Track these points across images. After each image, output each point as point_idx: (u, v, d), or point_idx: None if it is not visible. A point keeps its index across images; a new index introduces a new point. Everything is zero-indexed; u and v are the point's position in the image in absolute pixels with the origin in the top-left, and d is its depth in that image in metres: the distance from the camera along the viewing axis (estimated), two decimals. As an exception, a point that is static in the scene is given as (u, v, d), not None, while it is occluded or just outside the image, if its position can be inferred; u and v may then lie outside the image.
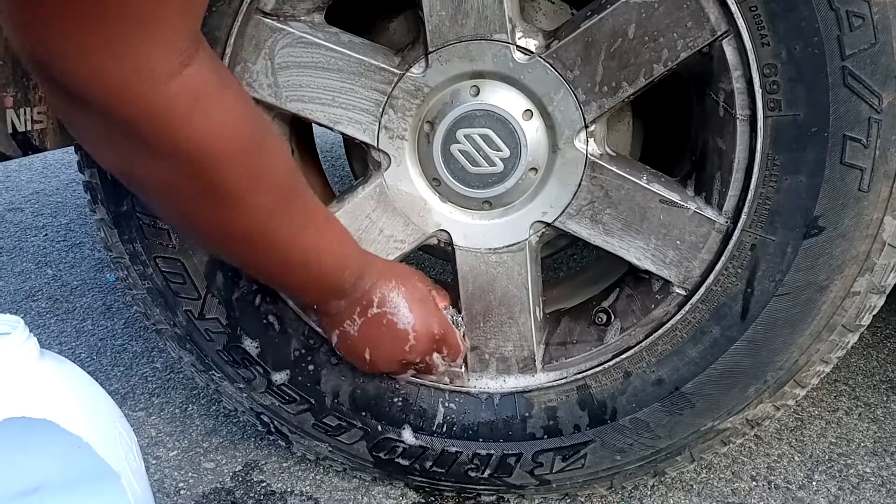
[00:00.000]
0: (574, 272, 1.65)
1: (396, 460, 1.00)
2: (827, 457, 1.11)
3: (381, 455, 1.00)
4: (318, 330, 0.95)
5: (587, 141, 0.85)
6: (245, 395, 1.01)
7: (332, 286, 0.82)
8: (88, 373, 1.15)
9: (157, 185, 0.66)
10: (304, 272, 0.79)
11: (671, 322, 0.89)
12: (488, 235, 0.91)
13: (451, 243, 0.92)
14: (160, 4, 0.54)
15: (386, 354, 0.89)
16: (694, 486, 1.05)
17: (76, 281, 1.71)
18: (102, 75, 0.55)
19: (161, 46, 0.56)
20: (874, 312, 0.86)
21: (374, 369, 0.92)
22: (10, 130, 0.85)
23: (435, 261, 1.67)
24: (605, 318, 0.95)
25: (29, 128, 0.87)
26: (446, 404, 0.97)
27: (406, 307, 0.86)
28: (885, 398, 1.24)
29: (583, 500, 1.03)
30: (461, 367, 0.97)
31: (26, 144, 0.87)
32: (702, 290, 0.87)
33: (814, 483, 1.06)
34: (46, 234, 1.98)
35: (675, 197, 0.86)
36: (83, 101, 0.57)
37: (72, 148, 0.94)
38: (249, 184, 0.67)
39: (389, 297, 0.85)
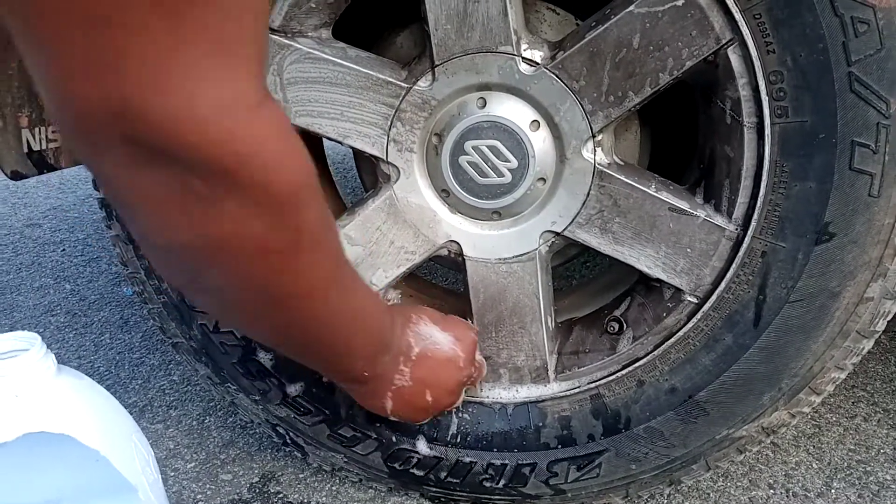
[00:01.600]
0: (585, 281, 1.65)
1: (411, 471, 1.00)
2: (846, 464, 1.09)
3: (396, 466, 1.00)
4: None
5: (595, 150, 0.85)
6: (261, 407, 1.02)
7: (380, 339, 0.78)
8: (106, 386, 1.17)
9: (239, 248, 0.56)
10: (361, 328, 0.74)
11: (683, 330, 0.89)
12: (498, 246, 0.91)
13: (461, 254, 0.93)
14: (241, 26, 0.49)
15: (446, 386, 0.86)
16: (711, 495, 1.04)
17: (94, 295, 1.73)
18: (191, 110, 0.48)
19: (245, 71, 0.51)
20: (889, 318, 0.85)
21: (438, 408, 0.88)
22: (25, 149, 0.86)
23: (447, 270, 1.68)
24: (617, 326, 0.95)
25: (44, 147, 0.88)
26: (460, 415, 0.98)
27: (437, 330, 0.84)
28: (904, 403, 1.22)
29: (598, 509, 1.02)
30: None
31: (41, 163, 0.89)
32: (713, 297, 0.86)
33: (833, 491, 1.05)
34: (64, 250, 2.01)
35: (684, 205, 0.86)
36: (162, 152, 0.49)
37: (87, 166, 0.96)
38: (326, 222, 0.63)
39: (419, 330, 0.82)
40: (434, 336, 0.83)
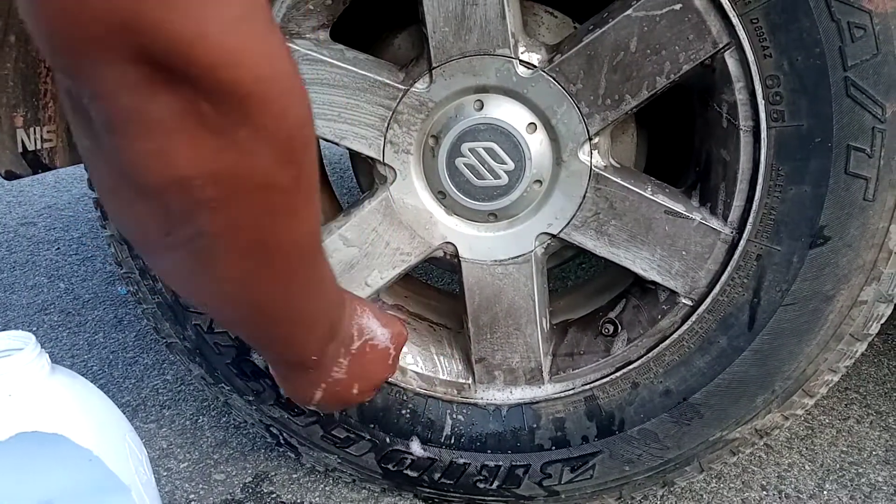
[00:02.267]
0: (580, 283, 1.65)
1: (405, 472, 1.00)
2: (838, 466, 1.10)
3: (390, 467, 1.00)
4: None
5: (591, 153, 0.86)
6: (254, 407, 1.01)
7: (336, 321, 0.74)
8: (100, 385, 1.16)
9: (243, 183, 0.51)
10: (325, 299, 0.70)
11: (678, 332, 0.89)
12: (494, 247, 0.92)
13: (456, 255, 0.93)
14: None
15: (372, 382, 0.83)
16: (704, 496, 1.05)
17: (88, 294, 1.73)
18: (209, 23, 0.43)
19: None
20: (882, 321, 0.86)
21: (359, 400, 0.85)
22: (20, 149, 0.86)
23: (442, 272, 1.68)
24: (611, 328, 0.95)
25: (39, 146, 0.88)
26: (454, 416, 0.98)
27: (378, 325, 0.81)
28: (896, 406, 1.23)
29: (592, 510, 1.03)
30: (468, 379, 0.97)
31: (36, 163, 0.88)
32: (708, 300, 0.87)
33: (825, 492, 1.05)
34: (59, 248, 2.00)
35: (679, 208, 0.86)
36: (173, 72, 0.44)
37: (81, 164, 0.95)
38: (316, 169, 0.58)
39: (363, 323, 0.79)
40: (375, 331, 0.80)
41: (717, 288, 0.86)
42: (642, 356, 0.91)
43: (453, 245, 0.92)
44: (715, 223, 0.85)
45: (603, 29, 0.80)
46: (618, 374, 0.92)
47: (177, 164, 0.48)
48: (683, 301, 0.88)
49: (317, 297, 0.68)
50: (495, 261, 0.92)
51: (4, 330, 0.71)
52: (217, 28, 0.44)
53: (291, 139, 0.51)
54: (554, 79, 0.82)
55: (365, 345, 0.79)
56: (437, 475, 0.99)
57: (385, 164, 0.90)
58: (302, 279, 0.63)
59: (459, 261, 0.93)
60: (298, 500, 1.06)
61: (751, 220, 0.82)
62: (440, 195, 0.90)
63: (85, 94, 0.46)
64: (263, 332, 0.69)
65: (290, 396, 0.84)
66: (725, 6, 0.75)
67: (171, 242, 0.54)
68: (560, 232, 0.89)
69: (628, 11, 0.78)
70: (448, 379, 0.98)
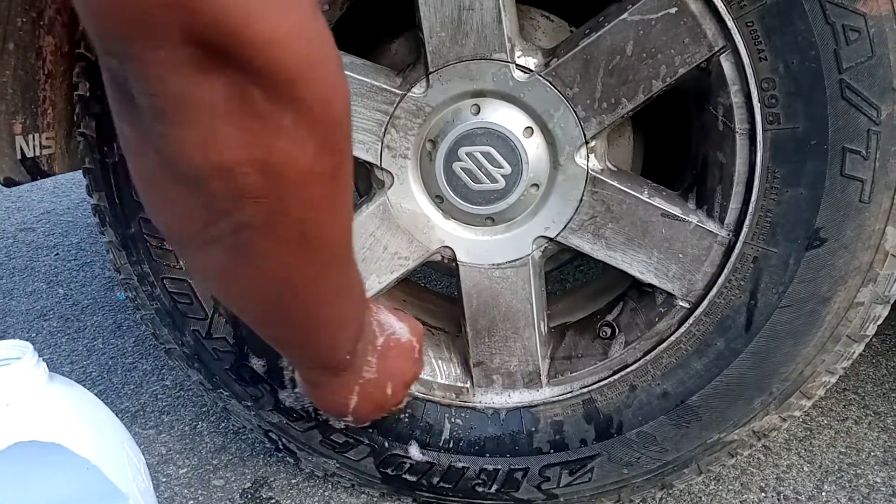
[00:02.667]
0: (578, 286, 1.65)
1: (404, 476, 1.00)
2: (836, 467, 1.10)
3: (389, 471, 1.00)
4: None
5: (588, 156, 0.86)
6: (253, 412, 1.01)
7: (362, 318, 0.73)
8: (99, 391, 1.16)
9: (287, 170, 0.50)
10: (356, 298, 0.69)
11: (675, 335, 0.89)
12: (491, 251, 0.92)
13: (454, 259, 0.93)
14: None
15: (404, 378, 0.82)
16: (703, 499, 1.05)
17: (87, 300, 1.73)
18: (263, 3, 0.43)
19: None
20: (879, 322, 0.86)
21: (394, 402, 0.83)
22: (18, 156, 0.86)
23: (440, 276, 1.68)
24: (609, 331, 0.95)
25: (38, 153, 0.88)
26: (452, 420, 0.98)
27: (395, 319, 0.80)
28: (895, 407, 1.23)
29: (591, 513, 1.03)
30: (466, 383, 0.98)
31: (35, 170, 0.88)
32: (705, 302, 0.87)
33: (823, 494, 1.05)
34: (58, 254, 2.00)
35: (676, 211, 0.86)
36: (225, 53, 0.44)
37: (80, 170, 0.96)
38: (351, 162, 0.57)
39: (381, 319, 0.78)
40: (394, 326, 0.79)
41: (714, 290, 0.86)
42: (640, 359, 0.91)
43: (451, 249, 0.92)
44: (711, 226, 0.85)
45: (599, 33, 0.80)
46: (615, 376, 0.93)
47: (222, 150, 0.47)
48: (680, 304, 0.89)
49: (350, 293, 0.67)
50: (493, 264, 0.92)
51: (3, 336, 0.71)
52: (269, 8, 0.44)
53: (336, 126, 0.51)
54: (550, 83, 0.83)
55: (389, 340, 0.78)
56: (435, 479, 0.99)
57: (382, 169, 0.90)
58: (338, 275, 0.62)
59: (457, 265, 0.93)
60: (298, 505, 1.06)
61: (747, 222, 0.83)
62: (438, 199, 0.90)
63: (132, 78, 0.46)
64: (297, 332, 0.68)
65: (325, 409, 0.81)
66: (721, 10, 0.76)
67: (211, 235, 0.53)
68: (557, 235, 0.89)
69: (624, 15, 0.78)
70: (446, 383, 0.99)
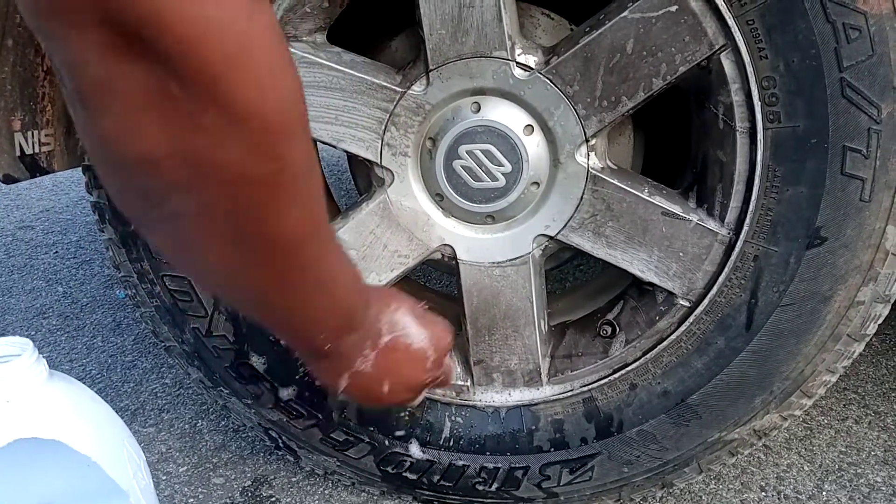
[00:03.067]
0: (578, 284, 1.65)
1: (404, 474, 1.00)
2: (837, 466, 1.10)
3: (389, 469, 1.00)
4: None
5: (588, 155, 0.86)
6: (253, 410, 1.01)
7: (349, 314, 0.71)
8: (98, 389, 1.16)
9: (212, 170, 0.48)
10: (330, 296, 0.67)
11: (676, 334, 0.89)
12: (491, 249, 0.92)
13: (454, 257, 0.93)
14: None
15: (406, 382, 0.80)
16: (703, 498, 1.05)
17: (86, 298, 1.73)
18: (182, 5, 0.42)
19: None
20: (879, 322, 0.86)
21: (393, 400, 0.82)
22: (17, 153, 0.86)
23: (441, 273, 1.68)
24: (609, 330, 0.95)
25: (36, 150, 0.88)
26: (453, 418, 0.98)
27: (414, 324, 0.78)
28: (895, 406, 1.23)
29: (591, 512, 1.03)
30: (467, 381, 0.97)
31: (34, 167, 0.88)
32: (706, 301, 0.87)
33: (824, 493, 1.05)
34: (57, 252, 2.00)
35: (676, 209, 0.86)
36: (141, 42, 0.42)
37: (80, 168, 0.95)
38: (310, 164, 0.55)
39: (395, 319, 0.76)
40: (408, 329, 0.77)
41: (715, 289, 0.86)
42: (640, 357, 0.91)
43: (451, 247, 0.92)
44: (712, 224, 0.85)
45: (599, 31, 0.80)
46: (616, 375, 0.93)
47: (144, 141, 0.46)
48: (681, 302, 0.89)
49: (319, 290, 0.64)
50: (493, 263, 0.92)
51: (2, 334, 0.71)
52: None
53: (266, 132, 0.48)
54: (551, 81, 0.82)
55: (396, 341, 0.76)
56: (435, 477, 0.99)
57: (382, 167, 0.90)
58: (295, 274, 0.60)
59: (457, 263, 0.93)
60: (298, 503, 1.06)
61: (748, 221, 0.83)
62: (438, 197, 0.90)
63: (56, 61, 0.45)
64: (262, 316, 0.67)
65: (318, 380, 0.82)
66: (721, 8, 0.76)
67: (155, 218, 0.52)
68: (558, 234, 0.89)
69: (624, 13, 0.78)
70: (446, 381, 0.98)
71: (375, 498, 1.06)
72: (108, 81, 0.44)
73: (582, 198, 0.87)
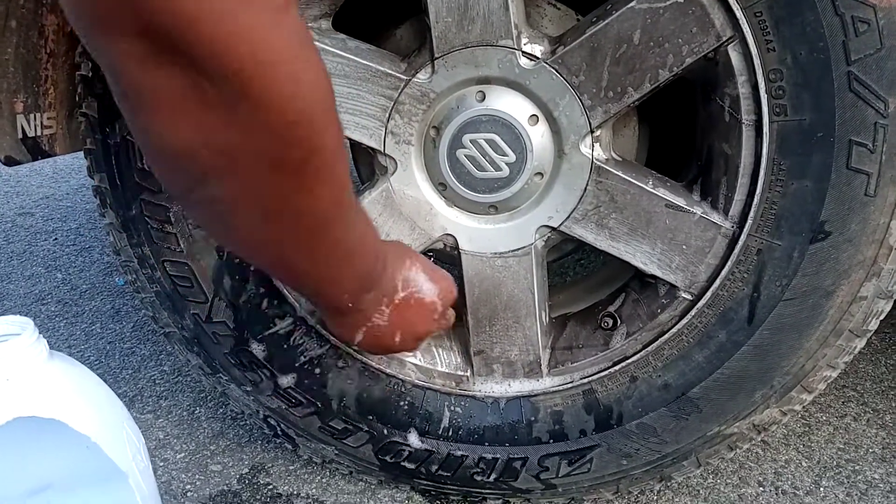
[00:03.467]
0: (580, 276, 1.65)
1: (402, 464, 1.00)
2: (835, 462, 1.10)
3: (387, 458, 1.00)
4: (331, 338, 0.95)
5: (593, 146, 0.85)
6: (252, 398, 1.01)
7: (370, 275, 0.76)
8: (97, 375, 1.15)
9: (245, 160, 0.53)
10: (352, 259, 0.71)
11: (677, 327, 0.89)
12: (494, 240, 0.91)
13: (456, 247, 0.92)
14: None
15: (416, 332, 0.85)
16: (700, 492, 1.05)
17: (85, 285, 1.72)
18: (211, 2, 0.46)
19: None
20: (882, 317, 0.86)
21: (402, 349, 0.87)
22: (20, 135, 0.86)
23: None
24: (611, 322, 0.95)
25: (39, 133, 0.88)
26: (452, 408, 0.98)
27: (426, 279, 0.83)
28: (893, 404, 1.23)
29: (588, 504, 1.03)
30: (467, 371, 0.97)
31: (36, 149, 0.88)
32: (708, 294, 0.87)
33: (821, 489, 1.05)
34: (56, 239, 1.99)
35: (680, 201, 0.86)
36: (176, 48, 0.47)
37: (81, 152, 0.95)
38: (339, 149, 0.60)
39: (409, 276, 0.82)
40: (421, 285, 0.83)
41: (717, 282, 0.86)
42: (641, 350, 0.91)
43: (453, 237, 0.92)
44: (716, 217, 0.85)
45: (606, 21, 0.79)
46: (616, 367, 0.92)
47: (182, 135, 0.51)
48: (683, 295, 0.88)
49: (345, 258, 0.70)
50: (495, 253, 0.92)
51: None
52: (218, 9, 0.46)
53: (297, 124, 0.52)
54: (556, 71, 0.82)
55: (410, 297, 0.81)
56: (434, 467, 0.99)
57: (386, 155, 0.89)
58: (325, 244, 0.65)
59: (459, 253, 0.92)
60: (295, 492, 1.06)
61: (752, 214, 0.82)
62: (441, 187, 0.90)
63: (102, 66, 0.51)
64: (291, 281, 0.76)
65: (334, 334, 0.90)
66: (729, -1, 0.75)
67: (194, 199, 0.58)
68: (561, 225, 0.89)
69: (632, 3, 0.78)
70: (446, 371, 0.98)
71: (373, 487, 1.06)
72: (146, 84, 0.49)
73: (586, 189, 0.87)
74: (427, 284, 0.83)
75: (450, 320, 0.90)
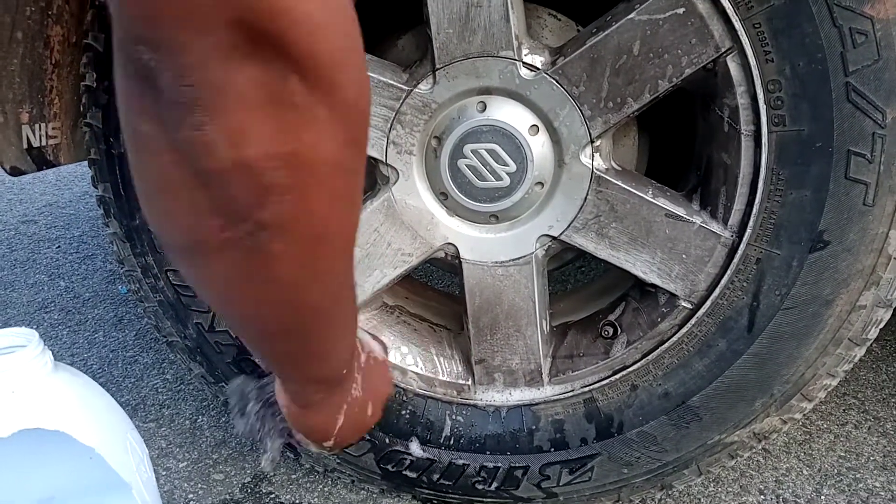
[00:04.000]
0: (580, 285, 1.65)
1: (404, 473, 1.00)
2: (836, 471, 1.10)
3: (389, 467, 1.01)
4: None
5: (593, 156, 0.86)
6: (254, 406, 1.01)
7: (355, 332, 0.70)
8: (99, 384, 1.16)
9: (313, 163, 0.48)
10: (353, 306, 0.66)
11: (677, 335, 0.89)
12: (495, 249, 0.92)
13: (458, 256, 0.93)
14: None
15: (381, 396, 0.80)
16: (702, 500, 1.05)
17: (88, 293, 1.73)
18: None
19: None
20: (881, 326, 0.86)
21: (371, 424, 0.81)
22: (25, 145, 0.86)
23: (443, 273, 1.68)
24: (611, 331, 0.95)
25: (44, 143, 0.88)
26: (453, 417, 0.98)
27: (369, 336, 0.78)
28: (894, 412, 1.23)
29: (590, 513, 1.03)
30: (468, 380, 0.98)
31: (41, 159, 0.89)
32: (708, 303, 0.87)
33: (822, 497, 1.05)
34: (59, 246, 2.00)
35: (680, 211, 0.86)
36: (268, 40, 0.43)
37: (85, 161, 0.96)
38: (366, 154, 0.56)
39: (361, 337, 0.76)
40: (371, 344, 0.77)
41: (717, 291, 0.86)
42: (641, 359, 0.92)
43: (454, 246, 0.93)
44: (715, 227, 0.86)
45: (606, 32, 0.80)
46: (617, 376, 0.93)
47: (252, 142, 0.46)
48: (683, 304, 0.89)
49: (351, 293, 0.64)
50: (496, 262, 0.92)
51: (5, 327, 0.71)
52: None
53: (365, 116, 0.51)
54: (557, 81, 0.83)
55: (369, 358, 0.77)
56: (435, 476, 1.00)
57: (387, 165, 0.90)
58: (346, 274, 0.60)
59: (460, 262, 0.93)
60: (297, 501, 1.06)
61: (751, 223, 0.83)
62: (442, 196, 0.91)
63: (165, 67, 0.45)
64: (301, 341, 0.63)
65: (310, 433, 0.77)
66: (728, 11, 0.76)
67: (226, 240, 0.50)
68: (561, 234, 0.89)
69: (632, 15, 0.79)
70: (448, 380, 0.99)
71: (375, 496, 1.06)
72: (227, 83, 0.44)
73: (586, 198, 0.87)
74: (374, 342, 0.78)
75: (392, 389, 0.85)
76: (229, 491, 1.09)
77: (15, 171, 0.86)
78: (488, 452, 0.97)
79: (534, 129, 0.85)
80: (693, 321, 0.88)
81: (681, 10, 0.77)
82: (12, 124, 0.84)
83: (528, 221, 0.90)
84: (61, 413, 0.67)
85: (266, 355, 0.68)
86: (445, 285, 1.65)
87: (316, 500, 1.06)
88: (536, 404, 0.96)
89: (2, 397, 0.66)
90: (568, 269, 1.69)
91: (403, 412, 0.98)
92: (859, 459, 1.12)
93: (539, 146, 0.86)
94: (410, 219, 0.92)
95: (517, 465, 0.97)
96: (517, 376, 0.96)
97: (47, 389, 0.68)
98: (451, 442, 0.98)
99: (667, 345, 0.90)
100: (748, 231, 0.83)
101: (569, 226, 0.89)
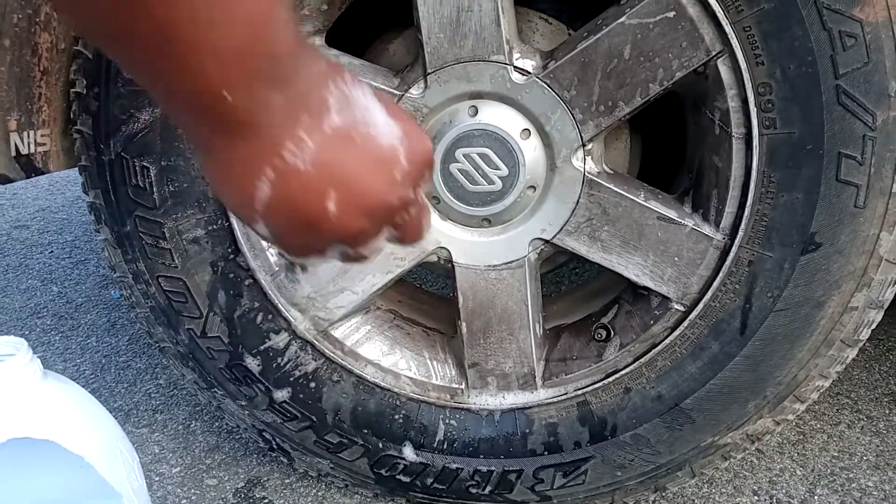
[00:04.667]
0: (573, 288, 1.65)
1: (398, 477, 1.00)
2: (829, 471, 1.10)
3: (383, 472, 1.00)
4: (325, 350, 0.95)
5: (585, 159, 0.86)
6: (247, 412, 1.01)
7: (268, 45, 0.43)
8: (92, 390, 1.16)
9: None
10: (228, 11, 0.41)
11: (670, 338, 0.89)
12: (487, 253, 0.92)
13: (450, 260, 0.93)
14: None
15: (362, 195, 0.49)
16: (696, 501, 1.05)
17: (81, 298, 1.72)
18: None
19: None
20: (873, 327, 0.86)
21: (336, 232, 0.50)
22: (13, 153, 0.86)
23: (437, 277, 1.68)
24: (604, 334, 0.95)
25: (33, 150, 0.88)
26: (447, 421, 0.98)
27: (380, 110, 0.50)
28: (887, 411, 1.23)
29: (584, 515, 1.03)
30: (461, 384, 0.98)
31: (30, 167, 0.88)
32: (700, 306, 0.87)
33: (816, 497, 1.06)
34: (52, 252, 1.99)
35: (672, 214, 0.86)
36: None
37: (76, 168, 0.95)
38: None
39: (349, 93, 0.48)
40: (373, 114, 0.49)
41: (709, 294, 0.86)
42: (634, 362, 0.92)
43: (447, 250, 0.92)
44: (707, 229, 0.86)
45: (597, 36, 0.80)
46: (610, 379, 0.93)
47: None
48: (675, 307, 0.89)
49: None
50: (489, 266, 0.92)
51: (-4, 334, 0.71)
52: None
53: None
54: (548, 85, 0.83)
55: (349, 127, 0.48)
56: (429, 480, 0.99)
57: (379, 170, 0.90)
58: None
59: (453, 266, 0.93)
60: (291, 505, 1.06)
61: (743, 226, 0.83)
62: (434, 200, 0.91)
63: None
64: (142, 27, 0.39)
65: (226, 197, 0.51)
66: (718, 14, 0.76)
67: None
68: (553, 237, 0.89)
69: (622, 19, 0.79)
70: (441, 384, 0.99)
71: (369, 500, 1.06)
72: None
73: (578, 202, 0.87)
74: (381, 117, 0.50)
75: (422, 211, 0.55)
76: (223, 496, 1.08)
77: (3, 180, 0.85)
78: (482, 456, 0.97)
79: (525, 132, 0.85)
80: (686, 324, 0.88)
81: (671, 14, 0.77)
82: (0, 132, 0.84)
83: (521, 225, 0.90)
84: (51, 422, 0.67)
85: (126, 62, 0.46)
86: (438, 289, 1.65)
87: (310, 505, 1.06)
88: (530, 408, 0.96)
89: (-9, 407, 0.65)
90: (560, 271, 1.69)
91: (397, 416, 0.98)
92: (852, 459, 1.13)
93: (531, 150, 0.86)
94: (402, 223, 0.92)
95: (511, 468, 0.97)
96: (510, 380, 0.96)
97: (36, 398, 0.67)
98: (445, 446, 0.98)
99: (660, 347, 0.90)
100: (740, 233, 0.83)
101: (561, 229, 0.89)
